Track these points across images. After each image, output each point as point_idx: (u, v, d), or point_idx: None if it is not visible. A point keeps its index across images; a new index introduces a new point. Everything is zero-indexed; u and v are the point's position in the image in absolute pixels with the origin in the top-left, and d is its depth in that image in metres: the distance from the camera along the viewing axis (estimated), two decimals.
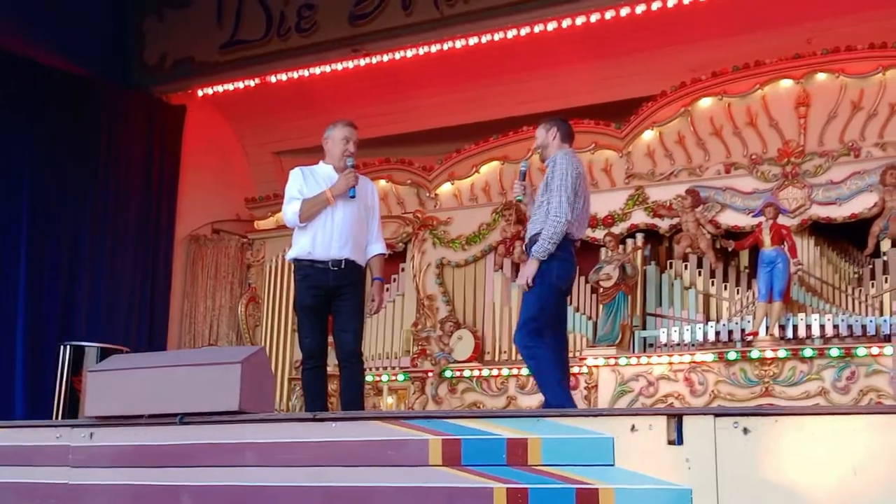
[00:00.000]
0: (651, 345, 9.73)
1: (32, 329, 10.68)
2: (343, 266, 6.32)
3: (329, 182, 6.42)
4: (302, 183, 6.45)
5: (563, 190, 6.08)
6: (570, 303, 10.30)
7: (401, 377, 10.92)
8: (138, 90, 12.26)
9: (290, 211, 6.45)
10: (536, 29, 10.41)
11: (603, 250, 10.10)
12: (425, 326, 10.99)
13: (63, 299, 11.04)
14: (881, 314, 8.81)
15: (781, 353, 8.89)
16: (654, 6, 9.82)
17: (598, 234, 10.13)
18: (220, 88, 12.38)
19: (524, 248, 6.52)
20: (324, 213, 6.35)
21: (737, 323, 9.28)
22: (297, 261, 6.44)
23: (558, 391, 5.96)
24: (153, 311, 11.96)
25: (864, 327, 8.75)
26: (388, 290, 11.47)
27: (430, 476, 4.63)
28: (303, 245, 6.38)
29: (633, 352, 9.68)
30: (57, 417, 9.29)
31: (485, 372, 10.46)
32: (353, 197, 6.35)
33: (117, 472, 5.53)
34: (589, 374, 9.73)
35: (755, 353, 8.98)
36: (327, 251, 6.32)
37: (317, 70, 11.69)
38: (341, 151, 6.46)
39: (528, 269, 6.12)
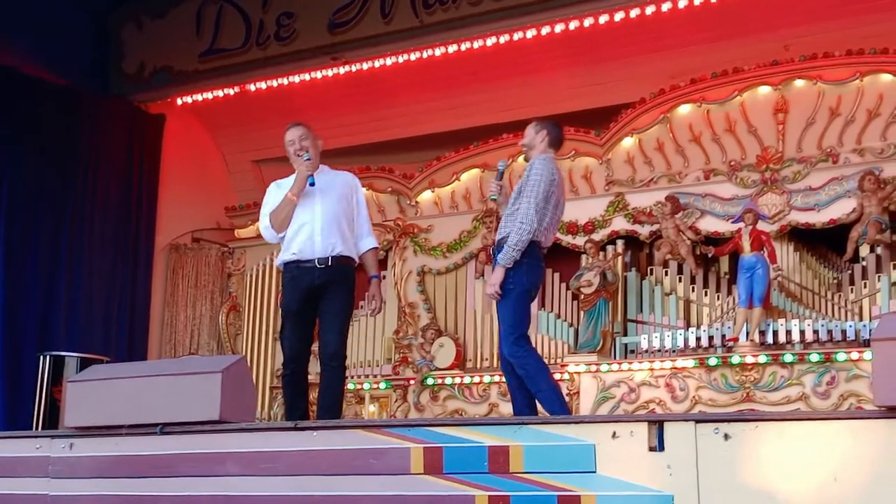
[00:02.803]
0: (632, 351, 9.75)
1: (11, 339, 10.62)
2: (330, 263, 6.25)
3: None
4: (275, 196, 6.42)
5: (532, 196, 6.03)
6: (552, 310, 10.34)
7: (382, 385, 10.90)
8: (117, 99, 12.23)
9: (262, 226, 6.47)
10: (516, 36, 10.42)
11: (583, 257, 10.11)
12: (407, 334, 10.98)
13: (42, 309, 10.98)
14: (860, 319, 8.86)
15: (762, 359, 8.92)
16: (633, 14, 9.85)
17: (579, 240, 10.15)
18: (199, 97, 12.36)
19: (492, 251, 6.45)
20: (302, 213, 6.27)
21: (717, 329, 9.31)
22: (284, 264, 6.38)
23: (552, 398, 5.91)
24: (133, 320, 11.91)
25: (843, 332, 8.79)
26: None
27: (411, 484, 4.63)
28: (286, 248, 6.33)
29: (615, 358, 9.70)
30: (37, 428, 9.24)
31: (466, 379, 10.46)
32: (312, 185, 6.25)
33: (98, 483, 5.50)
34: (570, 380, 9.73)
35: (736, 359, 9.00)
36: (311, 250, 6.24)
37: (296, 78, 11.68)
38: (294, 153, 6.40)
39: (496, 277, 6.07)
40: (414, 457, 4.64)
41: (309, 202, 6.30)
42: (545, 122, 6.40)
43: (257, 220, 11.59)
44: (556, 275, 10.41)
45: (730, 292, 9.49)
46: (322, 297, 6.27)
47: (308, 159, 6.32)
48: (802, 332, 8.90)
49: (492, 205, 6.63)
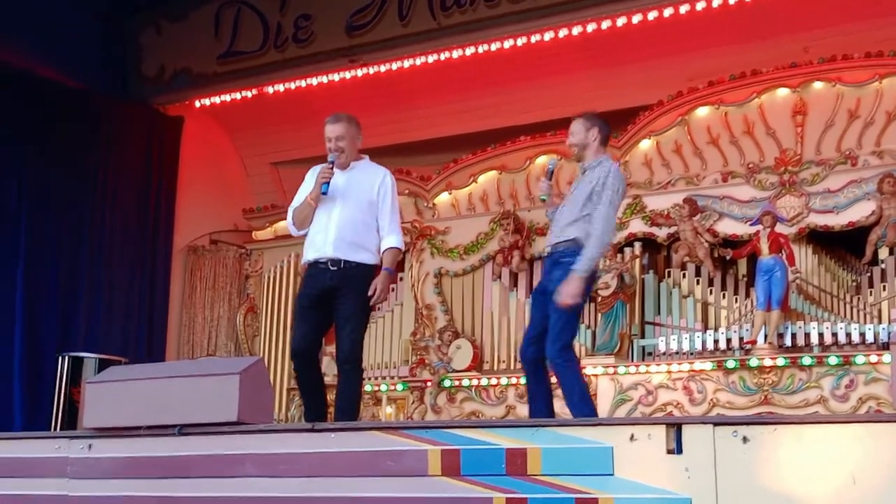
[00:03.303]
0: (650, 353, 9.73)
1: (31, 340, 10.67)
2: (342, 266, 6.25)
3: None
4: (307, 186, 6.45)
5: (613, 207, 5.97)
6: None
7: (399, 387, 10.90)
8: (136, 102, 12.28)
9: (287, 221, 6.55)
10: (533, 39, 10.41)
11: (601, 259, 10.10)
12: (424, 336, 10.98)
13: (61, 310, 11.03)
14: (880, 322, 8.82)
15: (780, 362, 8.89)
16: (651, 16, 9.84)
17: None
18: (217, 99, 12.38)
19: (550, 250, 6.21)
20: (323, 213, 6.30)
21: (735, 331, 9.28)
22: (305, 263, 6.45)
23: (582, 406, 5.88)
24: (151, 321, 11.95)
25: (862, 335, 8.76)
26: (393, 289, 11.39)
27: (429, 486, 4.63)
28: (306, 247, 6.39)
29: (632, 360, 9.68)
30: (55, 429, 9.29)
31: (483, 381, 10.45)
32: (324, 193, 6.23)
33: (116, 484, 5.52)
34: (588, 383, 9.70)
35: (754, 362, 8.98)
36: (325, 251, 6.26)
37: (314, 80, 11.69)
38: (328, 151, 6.41)
39: (575, 288, 5.89)
40: (431, 459, 4.65)
41: (329, 204, 6.31)
42: (594, 119, 6.27)
43: (275, 221, 11.81)
44: None
45: (748, 295, 9.46)
46: (334, 300, 6.27)
47: (331, 163, 6.33)
48: (821, 335, 8.88)
49: (539, 204, 6.45)
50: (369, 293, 6.29)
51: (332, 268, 6.25)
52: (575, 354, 6.12)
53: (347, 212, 6.32)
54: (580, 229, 5.98)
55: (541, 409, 6.08)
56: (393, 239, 6.48)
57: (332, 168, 6.32)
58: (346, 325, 6.27)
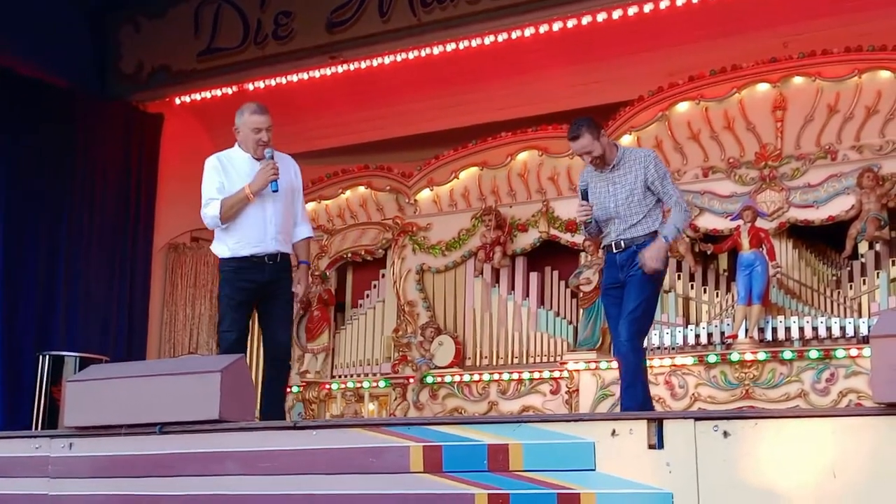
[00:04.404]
0: None
1: (10, 339, 10.61)
2: (279, 259, 6.20)
3: (249, 174, 6.20)
4: (222, 178, 6.25)
5: (671, 183, 6.25)
6: (551, 307, 10.35)
7: (382, 384, 10.90)
8: (115, 99, 12.20)
9: (209, 214, 6.25)
10: (514, 35, 10.40)
11: (583, 255, 10.12)
12: (406, 332, 10.97)
13: (41, 309, 10.97)
14: (860, 316, 8.85)
15: (761, 356, 8.92)
16: (631, 12, 9.83)
17: (578, 238, 10.13)
18: (197, 96, 12.34)
19: (625, 245, 6.21)
20: (252, 208, 6.16)
21: (716, 326, 9.31)
22: (230, 258, 6.23)
23: (644, 400, 6.01)
24: (132, 320, 11.90)
25: (842, 329, 8.79)
26: (367, 295, 11.48)
27: (411, 483, 4.63)
28: (236, 241, 6.19)
29: (614, 356, 9.69)
30: (36, 428, 9.24)
31: (466, 377, 10.46)
32: (275, 191, 6.15)
33: (97, 483, 5.51)
34: (570, 378, 9.74)
35: (735, 356, 9.00)
36: (263, 246, 6.16)
37: (294, 77, 11.66)
38: (254, 142, 6.24)
39: (660, 252, 6.07)
40: (413, 455, 4.65)
41: (262, 198, 6.18)
42: (587, 126, 6.32)
43: None
44: (556, 272, 10.43)
45: (729, 289, 9.49)
46: (268, 292, 6.19)
47: (271, 157, 6.20)
48: (801, 329, 8.90)
49: (582, 227, 6.52)
50: (296, 290, 6.27)
51: (268, 262, 6.17)
52: (643, 345, 6.19)
53: (281, 206, 6.23)
54: (653, 222, 6.20)
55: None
56: (307, 228, 6.46)
57: (274, 163, 6.19)
58: (283, 321, 6.24)
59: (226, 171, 6.28)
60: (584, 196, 6.38)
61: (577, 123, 6.34)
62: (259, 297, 6.22)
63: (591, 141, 6.27)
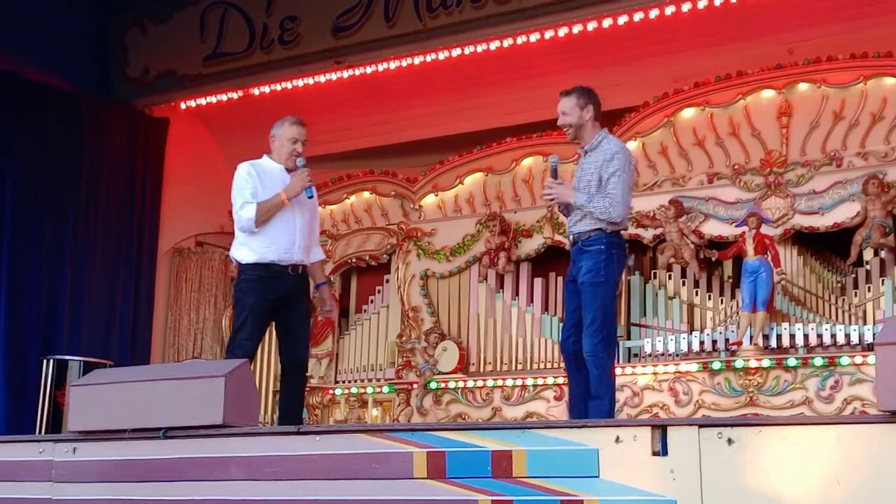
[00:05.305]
0: (636, 355, 9.73)
1: (14, 343, 10.61)
2: (300, 271, 6.30)
3: (282, 183, 6.32)
4: (256, 184, 6.33)
5: (622, 184, 5.86)
6: (555, 313, 10.34)
7: (385, 389, 10.90)
8: (121, 103, 12.21)
9: (245, 216, 6.32)
10: (519, 40, 10.39)
11: None
12: (410, 338, 10.97)
13: (45, 313, 10.97)
14: (864, 323, 8.84)
15: (765, 363, 8.92)
16: (637, 17, 9.83)
17: None
18: (203, 101, 12.33)
19: (573, 238, 6.09)
20: (282, 215, 6.26)
21: (721, 333, 9.30)
22: (255, 264, 6.31)
23: (607, 411, 5.86)
24: (136, 324, 11.89)
25: (847, 336, 8.78)
26: (371, 301, 11.49)
27: (414, 489, 4.63)
28: (265, 245, 6.27)
29: (618, 362, 9.66)
30: (40, 432, 9.25)
31: (470, 383, 10.45)
32: (311, 197, 6.29)
33: (101, 488, 5.50)
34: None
35: (739, 363, 9.00)
36: (290, 255, 6.26)
37: (300, 82, 11.66)
38: (289, 152, 6.36)
39: (567, 195, 5.87)
40: (417, 461, 4.64)
41: (293, 207, 6.29)
42: (586, 94, 6.15)
43: None
44: (560, 278, 10.41)
45: (733, 296, 9.48)
46: (288, 303, 6.26)
47: (304, 165, 6.32)
48: (806, 336, 8.90)
49: (551, 206, 6.28)
50: (331, 315, 6.45)
51: (291, 273, 6.25)
52: (614, 351, 6.04)
53: (308, 216, 6.35)
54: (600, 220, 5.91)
55: (577, 404, 6.03)
56: (321, 251, 6.65)
57: (309, 170, 6.32)
58: (305, 329, 6.34)
59: (259, 179, 6.38)
60: (554, 174, 6.14)
61: (578, 87, 6.14)
62: (279, 307, 6.26)
63: (573, 106, 6.05)
